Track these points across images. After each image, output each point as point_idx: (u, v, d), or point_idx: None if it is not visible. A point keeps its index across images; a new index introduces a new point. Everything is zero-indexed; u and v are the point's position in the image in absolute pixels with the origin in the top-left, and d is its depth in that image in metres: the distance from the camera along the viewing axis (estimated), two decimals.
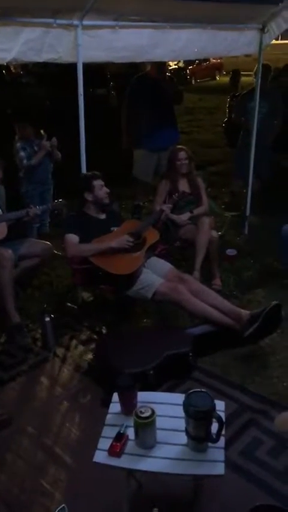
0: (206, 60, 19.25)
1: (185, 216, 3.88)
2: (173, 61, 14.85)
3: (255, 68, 4.58)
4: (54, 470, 2.21)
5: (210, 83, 20.11)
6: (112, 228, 3.32)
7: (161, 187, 4.02)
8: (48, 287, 3.86)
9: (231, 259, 4.10)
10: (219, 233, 3.97)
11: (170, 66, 16.54)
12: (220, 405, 1.82)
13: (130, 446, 1.75)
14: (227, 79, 15.99)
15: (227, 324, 2.97)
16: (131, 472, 1.84)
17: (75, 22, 3.00)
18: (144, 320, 3.38)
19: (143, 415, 1.69)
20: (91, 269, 3.10)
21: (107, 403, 1.97)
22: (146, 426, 1.70)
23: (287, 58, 9.75)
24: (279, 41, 14.13)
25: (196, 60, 17.92)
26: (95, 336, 3.23)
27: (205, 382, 2.71)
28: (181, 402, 1.69)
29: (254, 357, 2.93)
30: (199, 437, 1.69)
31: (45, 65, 5.44)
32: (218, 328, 2.98)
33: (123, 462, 1.71)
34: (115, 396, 1.93)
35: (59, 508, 1.95)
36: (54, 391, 2.76)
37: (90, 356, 3.01)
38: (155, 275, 3.12)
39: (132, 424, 1.74)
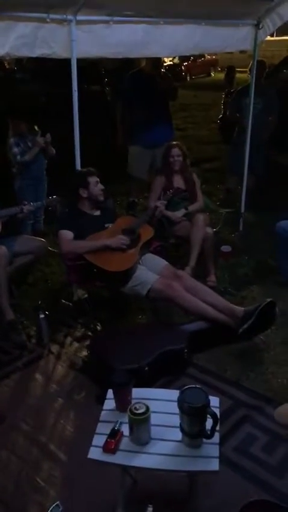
0: (201, 56, 19.20)
1: (179, 213, 3.87)
2: (167, 57, 14.83)
3: (250, 64, 4.57)
4: (49, 467, 2.21)
5: (205, 79, 20.09)
6: (106, 225, 3.31)
7: (155, 183, 4.02)
8: (43, 284, 3.85)
9: (226, 256, 4.11)
10: (214, 230, 3.96)
11: (165, 62, 16.53)
12: (215, 401, 1.82)
13: (125, 442, 1.75)
14: (222, 75, 15.95)
15: (222, 320, 2.96)
16: (125, 469, 1.84)
17: (69, 17, 2.98)
18: (139, 317, 3.38)
19: (137, 412, 1.69)
20: (85, 266, 3.09)
21: (101, 399, 1.97)
22: (140, 422, 1.70)
23: (282, 54, 9.71)
24: (274, 37, 14.09)
25: (191, 56, 17.89)
26: (89, 333, 3.23)
27: (200, 378, 2.71)
28: (176, 398, 1.69)
29: (248, 354, 2.94)
30: (194, 433, 1.70)
31: (39, 60, 5.40)
32: (212, 324, 2.98)
33: (118, 459, 1.71)
34: (110, 393, 1.92)
35: (52, 506, 1.94)
36: (48, 388, 2.75)
37: (84, 353, 3.01)
38: (150, 272, 3.12)
39: (126, 421, 1.74)
